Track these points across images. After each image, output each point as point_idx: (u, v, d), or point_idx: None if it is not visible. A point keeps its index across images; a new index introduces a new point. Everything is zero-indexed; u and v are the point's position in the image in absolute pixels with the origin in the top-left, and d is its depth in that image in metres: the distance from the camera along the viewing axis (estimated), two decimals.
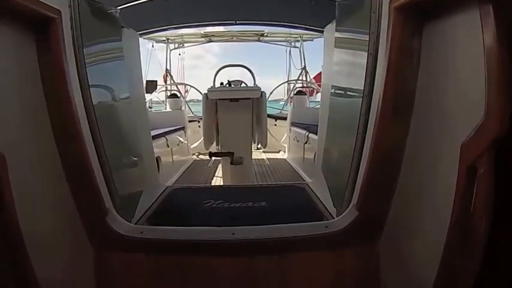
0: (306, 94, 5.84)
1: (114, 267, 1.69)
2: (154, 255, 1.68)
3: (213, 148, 3.63)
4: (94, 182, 1.55)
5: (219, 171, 4.30)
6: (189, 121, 6.32)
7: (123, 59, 2.09)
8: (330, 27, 2.41)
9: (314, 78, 7.93)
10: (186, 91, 7.90)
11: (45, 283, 1.16)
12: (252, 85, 3.65)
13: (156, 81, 7.20)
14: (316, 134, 3.48)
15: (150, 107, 6.53)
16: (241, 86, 4.69)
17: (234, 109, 3.15)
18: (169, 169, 3.97)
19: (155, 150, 3.09)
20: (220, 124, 3.31)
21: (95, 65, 1.69)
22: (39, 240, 1.20)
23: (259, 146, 3.90)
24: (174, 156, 4.27)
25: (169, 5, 4.15)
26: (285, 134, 6.01)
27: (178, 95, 6.85)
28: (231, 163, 3.28)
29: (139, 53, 2.69)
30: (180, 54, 8.72)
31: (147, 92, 7.25)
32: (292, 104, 5.79)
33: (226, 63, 4.21)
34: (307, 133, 4.07)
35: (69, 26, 1.44)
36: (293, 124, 5.31)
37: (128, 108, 2.21)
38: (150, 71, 7.74)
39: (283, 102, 7.97)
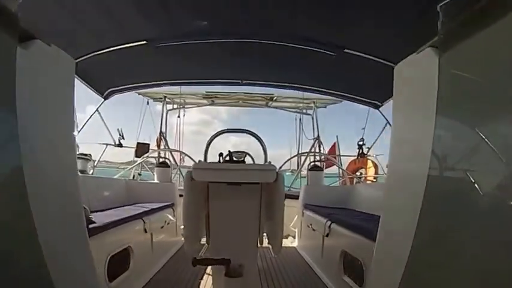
0: (322, 169, 4.83)
1: None
2: None
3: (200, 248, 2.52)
4: None
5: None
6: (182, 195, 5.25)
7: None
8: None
9: (329, 150, 7.02)
10: (182, 159, 6.99)
11: None
12: (263, 162, 2.60)
13: (149, 144, 6.36)
14: (341, 225, 2.80)
15: (140, 174, 5.52)
16: (246, 162, 3.77)
17: (235, 196, 2.10)
18: (146, 259, 3.00)
19: (126, 236, 2.47)
20: (212, 216, 2.22)
21: None
22: None
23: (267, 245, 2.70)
24: (155, 242, 3.21)
25: (168, 58, 3.44)
26: (296, 217, 4.87)
27: (171, 162, 5.91)
28: (226, 274, 2.10)
29: (73, 86, 1.67)
30: (179, 117, 8.01)
31: (137, 156, 6.37)
32: (306, 180, 4.75)
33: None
34: (330, 222, 3.00)
35: None
36: (307, 207, 4.22)
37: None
38: (143, 132, 6.94)
39: (290, 173, 6.93)
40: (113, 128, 5.46)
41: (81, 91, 3.79)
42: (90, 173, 4.31)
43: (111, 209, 3.27)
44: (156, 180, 4.64)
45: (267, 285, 3.06)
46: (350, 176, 5.94)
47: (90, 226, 1.99)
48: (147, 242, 3.07)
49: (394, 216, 1.70)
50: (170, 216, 3.95)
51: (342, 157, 6.55)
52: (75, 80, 1.75)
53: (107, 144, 5.17)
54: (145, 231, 2.97)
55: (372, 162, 6.16)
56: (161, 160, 4.75)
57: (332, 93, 4.71)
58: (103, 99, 4.30)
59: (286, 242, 4.91)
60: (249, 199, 2.13)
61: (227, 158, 3.30)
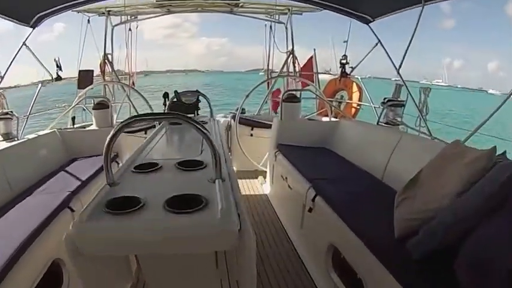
0: (299, 100, 4.16)
1: None
2: None
3: None
4: None
5: None
6: (134, 131, 4.56)
7: None
8: None
9: (303, 67, 6.18)
10: (133, 83, 5.97)
11: None
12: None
13: (92, 71, 5.28)
14: (330, 203, 2.25)
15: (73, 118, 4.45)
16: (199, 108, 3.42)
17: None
18: None
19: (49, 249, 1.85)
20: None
21: None
22: None
23: None
24: None
25: None
26: (267, 154, 4.42)
27: (120, 89, 4.99)
28: None
29: None
30: (130, 30, 6.62)
31: (80, 87, 5.31)
32: (278, 113, 4.08)
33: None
34: (314, 194, 2.49)
35: None
36: (281, 148, 3.72)
37: None
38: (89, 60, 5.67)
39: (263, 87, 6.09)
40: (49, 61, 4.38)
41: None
42: (21, 133, 3.44)
43: (38, 185, 2.68)
44: (94, 126, 3.83)
45: None
46: (329, 100, 5.34)
47: None
48: None
49: None
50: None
51: (319, 76, 5.81)
52: None
53: (41, 82, 4.11)
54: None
55: (357, 85, 5.43)
56: (98, 100, 3.83)
57: (315, 1, 3.82)
58: (31, 29, 3.45)
59: (255, 183, 4.55)
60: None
61: (175, 100, 2.95)
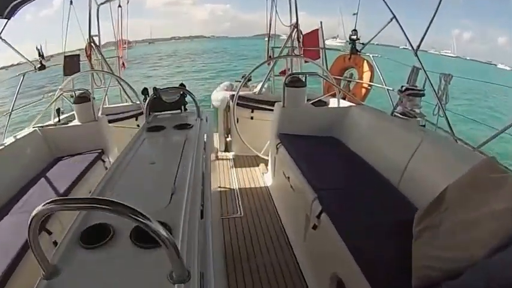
0: (304, 85, 3.63)
1: None
2: None
3: None
4: None
5: None
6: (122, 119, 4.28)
7: None
8: None
9: (305, 40, 5.59)
10: (123, 64, 5.53)
11: None
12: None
13: (78, 55, 4.88)
14: (337, 223, 1.92)
15: (59, 111, 3.84)
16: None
17: None
18: None
19: None
20: None
21: None
22: None
23: None
24: None
25: None
26: (268, 142, 4.08)
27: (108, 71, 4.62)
28: None
29: None
30: (120, 6, 6.10)
31: (65, 74, 4.92)
32: (281, 98, 3.62)
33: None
34: (320, 209, 2.13)
35: None
36: (283, 139, 3.36)
37: None
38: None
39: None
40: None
41: None
42: (4, 136, 3.17)
43: (19, 196, 2.54)
44: (77, 121, 3.51)
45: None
46: (337, 78, 4.86)
47: None
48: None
49: None
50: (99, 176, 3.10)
51: (326, 52, 5.26)
52: None
53: (23, 75, 3.77)
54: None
55: (368, 63, 4.87)
56: (78, 93, 3.48)
57: None
58: (6, 20, 3.27)
59: (255, 172, 4.25)
60: None
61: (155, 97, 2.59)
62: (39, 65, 4.16)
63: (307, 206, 2.31)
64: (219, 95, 4.98)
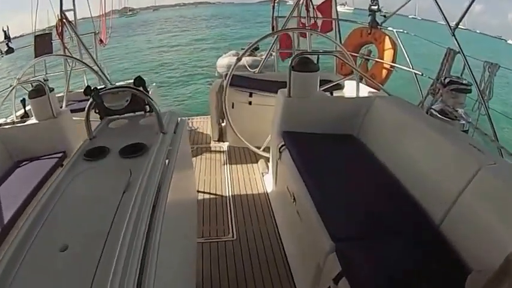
0: (316, 69, 2.81)
1: None
2: None
3: None
4: None
5: None
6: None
7: None
8: None
9: (320, 6, 4.81)
10: (100, 41, 4.79)
11: None
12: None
13: (50, 34, 4.24)
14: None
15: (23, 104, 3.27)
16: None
17: None
18: None
19: None
20: None
21: None
22: None
23: None
24: None
25: None
26: (268, 137, 3.39)
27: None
28: None
29: None
30: None
31: (37, 55, 4.30)
32: (287, 84, 2.81)
33: None
34: (339, 270, 1.52)
35: None
36: (287, 139, 2.69)
37: None
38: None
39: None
40: None
41: None
42: None
43: None
44: (34, 119, 2.93)
45: None
46: (353, 55, 4.09)
47: None
48: None
49: None
50: None
51: (340, 23, 4.46)
52: None
53: None
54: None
55: (390, 39, 3.94)
56: (35, 84, 2.87)
57: None
58: None
59: (254, 170, 3.61)
60: None
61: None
62: (6, 48, 3.57)
63: (320, 254, 1.72)
64: (224, 61, 4.24)
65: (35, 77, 4.19)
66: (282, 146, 2.67)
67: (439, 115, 2.28)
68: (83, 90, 1.97)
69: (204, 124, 4.68)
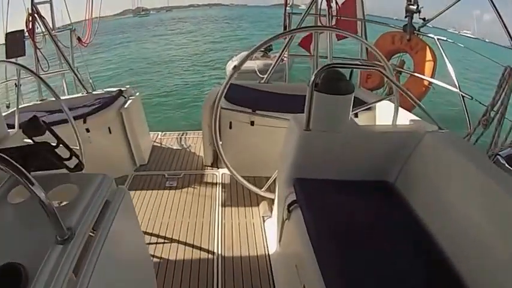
0: (351, 91, 1.81)
1: None
2: None
3: None
4: None
5: None
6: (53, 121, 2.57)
7: None
8: None
9: (344, 5, 4.02)
10: (78, 39, 4.06)
11: None
12: None
13: (23, 31, 3.62)
14: None
15: None
16: None
17: None
18: None
19: None
20: None
21: None
22: None
23: None
24: None
25: None
26: (274, 173, 2.59)
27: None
28: None
29: None
30: None
31: (9, 56, 3.65)
32: (304, 108, 1.87)
33: None
34: None
35: None
36: (299, 193, 1.84)
37: None
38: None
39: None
40: None
41: None
42: None
43: None
44: None
45: None
46: (380, 64, 3.29)
47: None
48: None
49: None
50: None
51: (367, 25, 3.70)
52: None
53: None
54: None
55: (430, 50, 3.16)
56: None
57: None
58: None
59: (254, 217, 2.74)
60: None
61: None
62: None
63: None
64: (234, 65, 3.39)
65: (7, 81, 3.60)
66: (293, 202, 1.83)
67: (507, 165, 1.51)
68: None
69: (198, 142, 3.91)
